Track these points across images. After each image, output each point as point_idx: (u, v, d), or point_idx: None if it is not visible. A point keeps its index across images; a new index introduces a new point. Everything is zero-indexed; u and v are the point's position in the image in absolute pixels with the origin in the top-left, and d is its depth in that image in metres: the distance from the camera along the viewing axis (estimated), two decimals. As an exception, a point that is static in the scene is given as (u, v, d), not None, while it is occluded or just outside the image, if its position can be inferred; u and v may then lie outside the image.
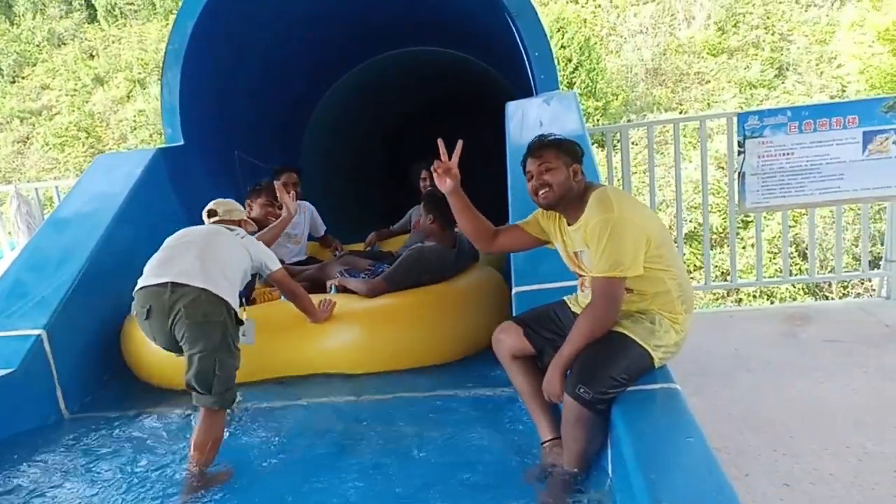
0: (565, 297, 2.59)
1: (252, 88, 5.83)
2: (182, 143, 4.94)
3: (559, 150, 2.35)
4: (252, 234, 3.20)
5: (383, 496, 2.29)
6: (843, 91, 15.36)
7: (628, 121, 16.45)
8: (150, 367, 3.44)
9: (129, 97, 21.62)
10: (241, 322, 2.79)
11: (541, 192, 2.37)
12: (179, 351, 2.67)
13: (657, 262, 2.21)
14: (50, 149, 20.48)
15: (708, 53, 18.78)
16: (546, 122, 3.83)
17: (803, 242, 10.56)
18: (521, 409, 2.63)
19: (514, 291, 3.00)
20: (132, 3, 23.60)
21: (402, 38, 6.82)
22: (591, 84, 17.03)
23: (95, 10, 23.76)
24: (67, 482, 2.61)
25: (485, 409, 2.90)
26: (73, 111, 21.19)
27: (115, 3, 23.50)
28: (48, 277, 3.55)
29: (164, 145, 4.82)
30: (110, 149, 20.64)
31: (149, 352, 3.30)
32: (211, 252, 2.76)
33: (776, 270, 10.19)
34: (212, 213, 3.12)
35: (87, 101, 21.51)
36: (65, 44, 23.34)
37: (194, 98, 5.03)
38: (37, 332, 3.25)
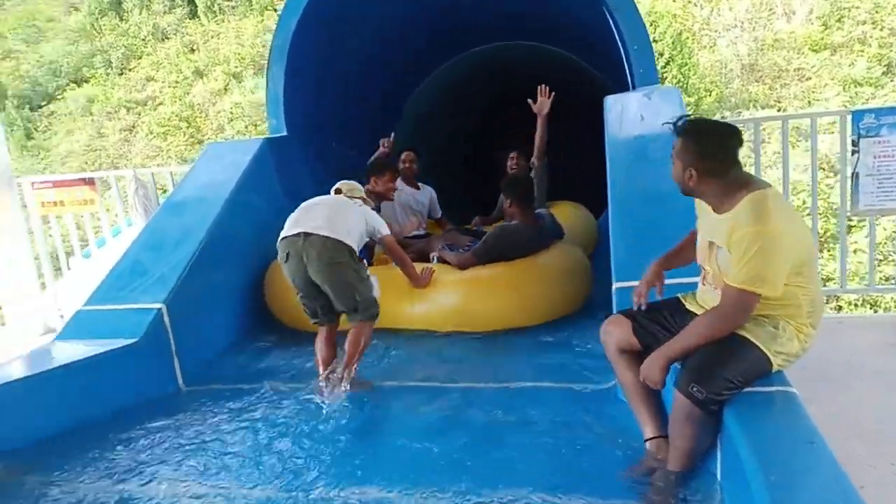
0: (680, 295, 2.54)
1: (347, 84, 6.01)
2: (285, 133, 5.14)
3: (684, 144, 2.25)
4: (373, 208, 3.77)
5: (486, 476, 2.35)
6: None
7: (722, 117, 15.90)
8: (290, 309, 3.91)
9: (226, 90, 22.50)
10: None
11: None
12: (311, 293, 3.30)
13: (795, 279, 2.13)
14: (154, 137, 21.58)
15: (809, 49, 17.88)
16: (647, 117, 3.79)
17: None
18: (623, 403, 2.63)
19: (615, 287, 2.99)
20: (230, 0, 24.53)
21: (490, 33, 6.85)
22: (683, 80, 16.56)
23: (196, 6, 24.80)
24: (182, 453, 2.79)
25: (586, 400, 2.91)
26: (175, 102, 22.24)
27: (215, 0, 24.47)
28: (166, 257, 3.80)
29: (267, 135, 5.04)
30: (209, 138, 21.58)
31: (288, 297, 3.77)
32: (336, 213, 3.38)
33: (882, 278, 9.65)
34: (338, 191, 3.66)
35: (187, 93, 22.53)
36: (168, 38, 24.50)
37: (296, 91, 5.24)
38: (157, 305, 3.49)
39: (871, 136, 3.87)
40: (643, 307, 2.49)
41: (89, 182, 5.02)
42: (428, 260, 4.29)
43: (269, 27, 23.59)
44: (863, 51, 16.78)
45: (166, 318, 3.49)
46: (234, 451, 2.75)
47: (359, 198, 3.64)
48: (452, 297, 3.93)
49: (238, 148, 4.73)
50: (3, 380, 2.91)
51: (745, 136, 4.22)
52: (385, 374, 3.43)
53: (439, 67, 7.03)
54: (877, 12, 17.11)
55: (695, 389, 2.10)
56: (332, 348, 3.38)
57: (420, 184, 5.08)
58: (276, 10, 23.72)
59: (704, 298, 2.38)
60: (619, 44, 5.10)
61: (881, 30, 16.86)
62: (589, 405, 2.85)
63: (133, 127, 22.80)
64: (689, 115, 2.36)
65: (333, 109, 5.82)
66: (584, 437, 2.58)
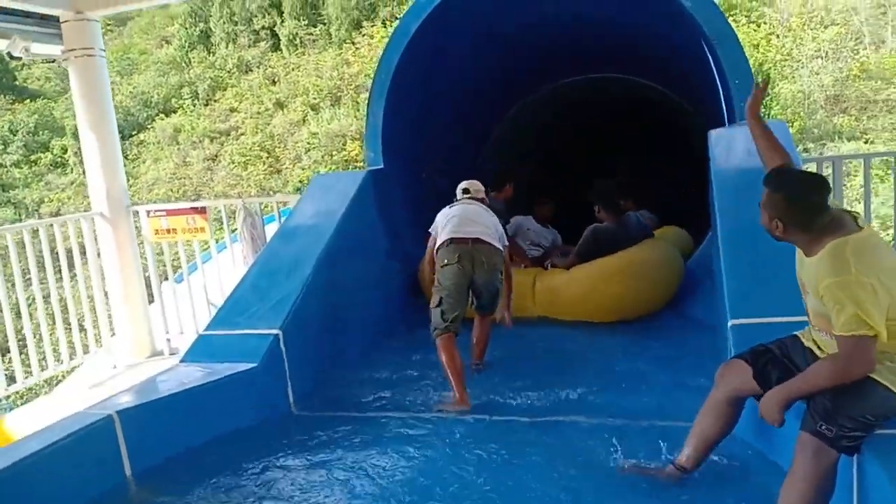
0: (797, 333, 2.52)
1: (443, 115, 6.19)
2: (381, 165, 5.33)
3: (770, 196, 2.29)
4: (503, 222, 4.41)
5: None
6: None
7: (805, 150, 15.47)
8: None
9: (304, 121, 23.30)
10: None
11: None
12: (462, 298, 3.72)
13: None
14: (235, 166, 22.48)
15: (899, 79, 17.30)
16: (752, 151, 3.76)
17: None
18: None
19: (730, 324, 2.96)
20: (311, 34, 25.50)
21: (581, 64, 6.93)
22: (764, 110, 16.21)
23: (279, 40, 25.91)
24: (292, 476, 2.88)
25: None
26: (257, 133, 23.15)
27: (297, 34, 25.50)
28: (281, 283, 3.97)
29: (370, 168, 5.23)
30: (287, 168, 22.36)
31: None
32: (488, 221, 3.90)
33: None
34: (465, 191, 4.12)
35: (268, 124, 23.43)
36: (251, 70, 25.63)
37: (395, 126, 5.43)
38: (274, 331, 3.65)
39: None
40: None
41: (201, 211, 5.31)
42: (544, 268, 5.09)
43: (346, 59, 24.40)
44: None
45: (282, 344, 3.65)
46: (341, 477, 2.82)
47: (480, 198, 4.12)
48: (563, 291, 4.73)
49: (344, 180, 4.94)
50: (139, 401, 3.10)
51: (827, 173, 4.17)
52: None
53: (525, 98, 7.16)
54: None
55: (823, 428, 2.08)
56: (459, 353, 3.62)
57: (549, 226, 5.72)
58: (353, 44, 24.53)
59: (819, 340, 2.37)
60: (717, 77, 5.10)
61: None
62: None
63: (216, 156, 23.85)
64: (780, 168, 2.40)
65: (428, 141, 6.01)
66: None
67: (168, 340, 5.64)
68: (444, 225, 3.87)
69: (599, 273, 4.61)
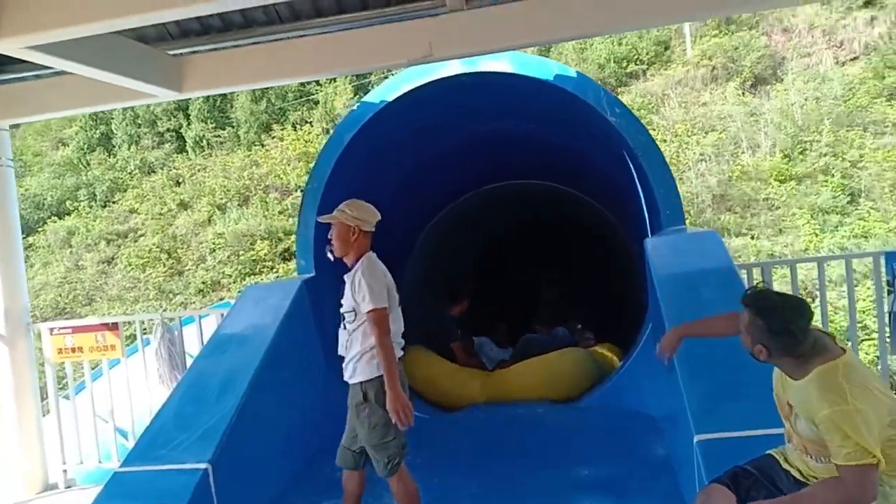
0: (772, 452, 2.49)
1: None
2: (313, 273, 5.15)
3: (752, 320, 2.28)
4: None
5: None
6: (924, 218, 15.11)
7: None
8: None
9: (209, 221, 22.71)
10: None
11: None
12: None
13: (890, 442, 2.13)
14: (133, 269, 21.42)
15: (775, 179, 18.88)
16: (695, 259, 3.88)
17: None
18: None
19: (696, 440, 2.91)
20: (219, 136, 25.27)
21: (506, 173, 7.12)
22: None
23: (185, 142, 25.50)
24: None
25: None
26: (157, 233, 22.30)
27: (203, 136, 25.21)
28: (210, 408, 3.65)
29: (301, 276, 5.03)
30: (189, 269, 21.48)
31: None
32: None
33: None
34: None
35: (170, 224, 22.66)
36: (154, 172, 24.95)
37: (326, 233, 5.30)
38: (203, 465, 3.30)
39: (906, 276, 4.00)
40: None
41: (112, 327, 4.90)
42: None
43: (255, 161, 24.23)
44: (826, 181, 17.74)
45: (211, 479, 3.29)
46: None
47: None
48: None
49: (276, 290, 4.71)
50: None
51: (757, 279, 4.37)
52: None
53: (455, 201, 7.24)
54: (837, 145, 18.26)
55: None
56: None
57: (506, 346, 6.60)
58: (263, 146, 24.47)
59: (793, 459, 2.34)
60: (638, 185, 5.33)
61: (843, 161, 17.93)
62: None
63: (112, 259, 22.67)
64: (756, 286, 2.42)
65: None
66: None
67: (65, 472, 5.04)
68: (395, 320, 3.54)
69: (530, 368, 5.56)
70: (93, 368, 5.42)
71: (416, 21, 4.74)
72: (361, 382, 3.27)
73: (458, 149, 6.15)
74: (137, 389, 4.97)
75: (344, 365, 3.42)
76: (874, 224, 16.03)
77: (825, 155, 18.36)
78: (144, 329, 5.05)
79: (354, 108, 5.72)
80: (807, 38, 22.22)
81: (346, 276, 3.49)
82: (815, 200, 17.43)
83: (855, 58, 21.10)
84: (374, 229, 3.58)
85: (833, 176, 17.74)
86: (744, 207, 19.19)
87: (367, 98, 5.84)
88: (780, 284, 4.03)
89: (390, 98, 5.46)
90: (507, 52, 5.12)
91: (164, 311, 5.16)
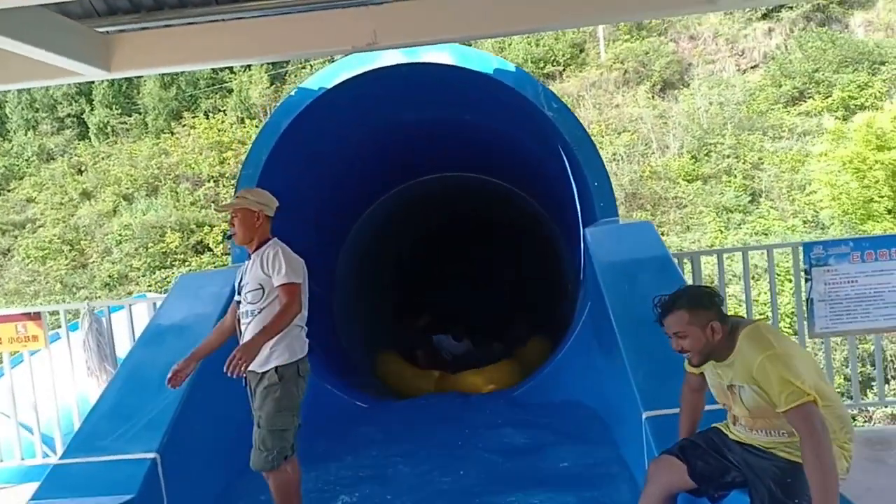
0: (718, 426, 2.63)
1: (306, 216, 6.04)
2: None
3: (689, 316, 2.37)
4: None
5: None
6: (817, 216, 16.25)
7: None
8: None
9: (115, 211, 21.65)
10: None
11: (686, 357, 2.48)
12: None
13: (821, 402, 2.25)
14: (31, 261, 20.16)
15: (683, 179, 19.83)
16: (633, 248, 4.05)
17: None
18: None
19: (644, 416, 3.05)
20: (124, 123, 24.10)
21: (435, 165, 7.15)
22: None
23: (87, 128, 24.17)
24: None
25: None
26: (58, 224, 21.07)
27: (108, 122, 23.97)
28: (152, 398, 3.51)
29: (237, 265, 4.89)
30: (94, 262, 20.41)
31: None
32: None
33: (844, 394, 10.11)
34: None
35: (72, 215, 21.45)
36: (53, 159, 23.53)
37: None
38: (151, 455, 3.18)
39: (821, 266, 4.32)
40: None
41: (34, 317, 4.61)
42: None
43: (164, 149, 23.23)
44: (730, 181, 18.81)
45: (160, 469, 3.18)
46: None
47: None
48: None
49: (213, 279, 4.55)
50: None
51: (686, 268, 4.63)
52: None
53: (381, 198, 7.22)
54: (739, 147, 19.38)
55: None
56: None
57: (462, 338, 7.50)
58: (173, 134, 23.50)
59: (741, 434, 2.49)
60: (571, 178, 5.50)
61: (744, 163, 19.05)
62: None
63: (8, 251, 21.26)
64: (657, 301, 2.49)
65: (290, 241, 5.79)
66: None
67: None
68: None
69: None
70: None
71: (362, 8, 4.70)
72: (277, 367, 3.11)
73: (396, 139, 6.14)
74: (61, 381, 4.71)
75: None
76: (773, 222, 17.15)
77: (728, 157, 19.47)
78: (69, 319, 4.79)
79: (292, 94, 5.61)
80: (711, 45, 23.46)
81: (248, 261, 3.36)
82: (719, 199, 18.46)
83: (755, 66, 22.45)
84: (273, 214, 3.39)
85: (735, 177, 18.84)
86: (654, 205, 20.07)
87: (304, 84, 5.75)
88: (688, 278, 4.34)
89: (329, 85, 5.40)
90: (449, 43, 5.16)
91: (89, 300, 4.95)
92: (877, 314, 4.30)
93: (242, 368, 2.91)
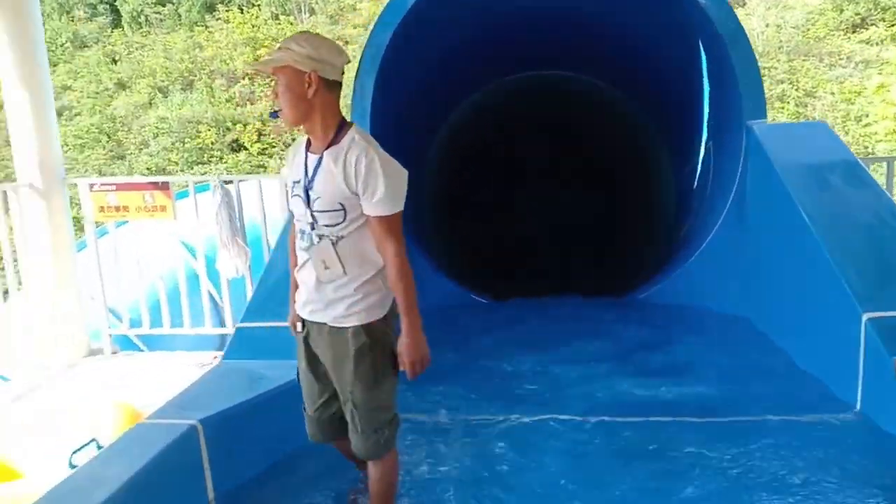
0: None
1: (428, 99, 5.92)
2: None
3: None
4: None
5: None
6: (872, 150, 15.92)
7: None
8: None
9: (151, 104, 21.34)
10: None
11: None
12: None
13: None
14: (70, 149, 20.00)
15: (734, 103, 19.33)
16: (812, 148, 3.91)
17: None
18: None
19: (865, 318, 2.92)
20: (158, 13, 23.43)
21: (547, 62, 6.82)
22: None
23: (120, 16, 23.54)
24: None
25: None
26: (95, 114, 20.83)
27: (141, 11, 23.32)
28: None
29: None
30: (132, 154, 20.27)
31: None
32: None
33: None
34: None
35: (108, 105, 21.17)
36: (87, 46, 23.02)
37: (384, 102, 5.06)
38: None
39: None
40: None
41: (163, 187, 4.55)
42: None
43: (199, 43, 22.65)
44: (783, 107, 18.31)
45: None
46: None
47: None
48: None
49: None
50: (219, 408, 2.56)
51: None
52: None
53: (483, 89, 6.98)
54: (793, 73, 18.77)
55: None
56: None
57: None
58: (207, 27, 22.86)
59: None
60: (713, 77, 5.23)
61: (798, 90, 18.50)
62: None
63: (44, 137, 21.14)
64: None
65: (409, 123, 5.72)
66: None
67: (110, 336, 4.79)
68: None
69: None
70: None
71: None
72: (364, 325, 2.21)
73: (510, 23, 5.83)
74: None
75: (312, 297, 2.27)
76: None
77: (782, 82, 18.88)
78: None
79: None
80: (773, -37, 22.37)
81: (306, 153, 2.24)
82: (770, 126, 18.10)
83: (818, -12, 21.46)
84: (340, 79, 2.19)
85: (788, 104, 18.34)
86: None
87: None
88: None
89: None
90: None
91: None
92: None
93: (424, 368, 2.21)
